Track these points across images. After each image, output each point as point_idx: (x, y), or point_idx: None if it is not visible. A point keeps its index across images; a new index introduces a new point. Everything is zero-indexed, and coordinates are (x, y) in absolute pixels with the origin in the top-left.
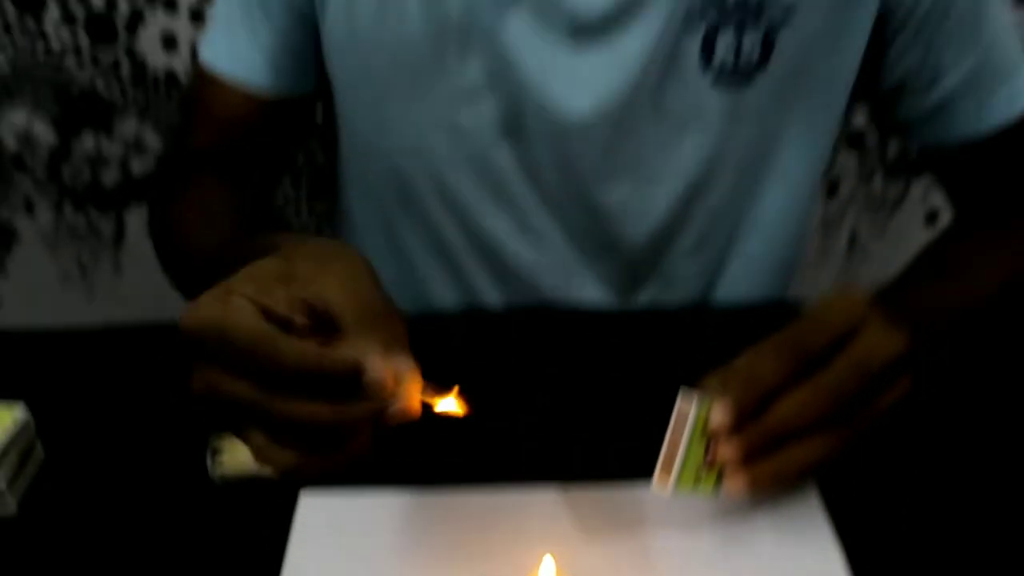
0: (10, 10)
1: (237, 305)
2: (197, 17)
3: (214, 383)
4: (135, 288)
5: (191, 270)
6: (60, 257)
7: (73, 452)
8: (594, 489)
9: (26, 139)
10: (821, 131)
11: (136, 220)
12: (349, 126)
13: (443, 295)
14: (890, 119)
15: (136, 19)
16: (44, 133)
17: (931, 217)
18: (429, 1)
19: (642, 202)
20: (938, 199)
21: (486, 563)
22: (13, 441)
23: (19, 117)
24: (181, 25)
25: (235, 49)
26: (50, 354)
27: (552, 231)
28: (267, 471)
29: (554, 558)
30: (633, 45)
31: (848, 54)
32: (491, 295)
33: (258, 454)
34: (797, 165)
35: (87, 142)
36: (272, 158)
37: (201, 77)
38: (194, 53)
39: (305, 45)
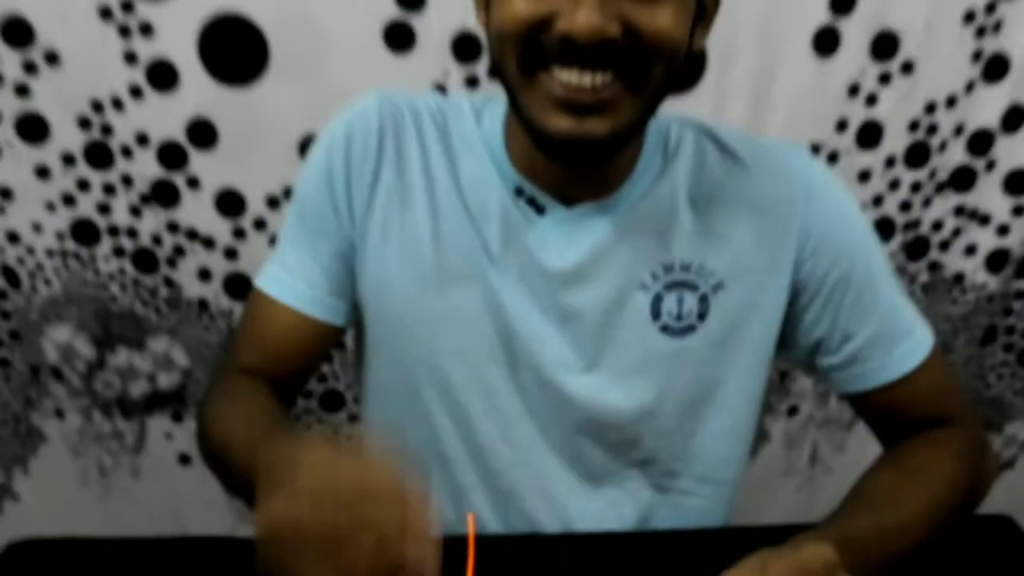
0: (69, 243)
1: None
2: (230, 255)
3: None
4: (149, 493)
5: (229, 458)
6: (82, 459)
7: None
8: None
9: (66, 353)
10: (753, 374)
11: (157, 428)
12: (373, 342)
13: (438, 491)
14: (812, 370)
15: (177, 254)
16: (83, 348)
17: None
18: (438, 250)
19: (606, 420)
20: None
21: None
22: None
23: (62, 333)
24: (216, 260)
25: (288, 282)
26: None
27: (532, 438)
28: None
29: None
30: (595, 294)
31: (769, 317)
32: (478, 495)
33: None
34: (734, 400)
35: (121, 357)
36: (305, 368)
37: (256, 301)
38: (226, 283)
39: (344, 285)
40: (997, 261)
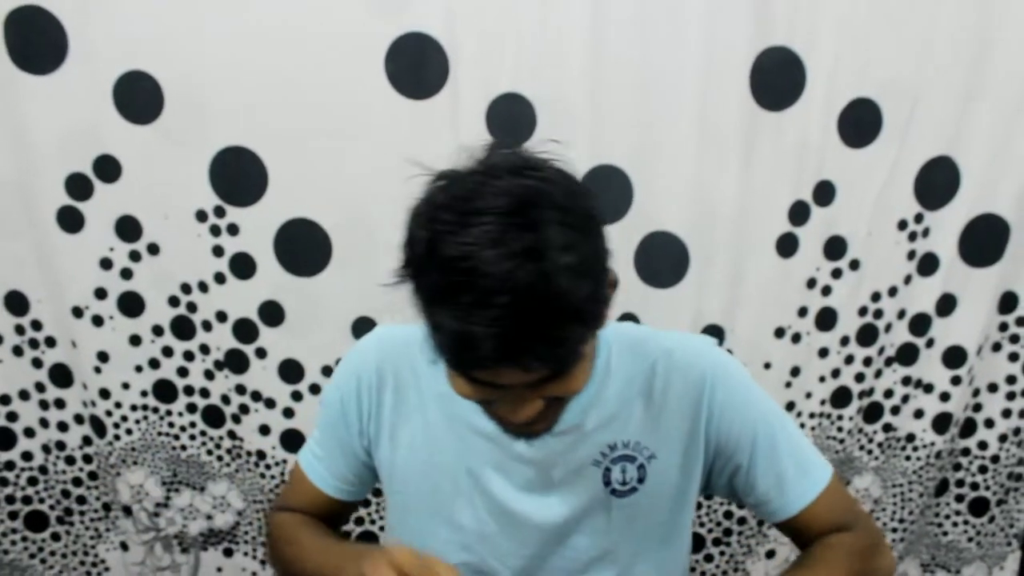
0: (150, 399)
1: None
2: (288, 414)
3: None
4: None
5: (302, 561)
6: None
7: None
8: None
9: (137, 493)
10: (684, 514)
11: (210, 562)
12: (391, 523)
13: None
14: (743, 507)
15: (242, 411)
16: (153, 489)
17: None
18: (431, 450)
19: (574, 561)
20: None
21: None
22: None
23: (136, 476)
24: (275, 418)
25: (317, 467)
26: None
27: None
28: None
29: None
30: (563, 472)
31: (692, 476)
32: None
33: None
34: (671, 535)
35: (185, 498)
36: (334, 523)
37: (297, 469)
38: (282, 437)
39: (357, 475)
40: (942, 423)
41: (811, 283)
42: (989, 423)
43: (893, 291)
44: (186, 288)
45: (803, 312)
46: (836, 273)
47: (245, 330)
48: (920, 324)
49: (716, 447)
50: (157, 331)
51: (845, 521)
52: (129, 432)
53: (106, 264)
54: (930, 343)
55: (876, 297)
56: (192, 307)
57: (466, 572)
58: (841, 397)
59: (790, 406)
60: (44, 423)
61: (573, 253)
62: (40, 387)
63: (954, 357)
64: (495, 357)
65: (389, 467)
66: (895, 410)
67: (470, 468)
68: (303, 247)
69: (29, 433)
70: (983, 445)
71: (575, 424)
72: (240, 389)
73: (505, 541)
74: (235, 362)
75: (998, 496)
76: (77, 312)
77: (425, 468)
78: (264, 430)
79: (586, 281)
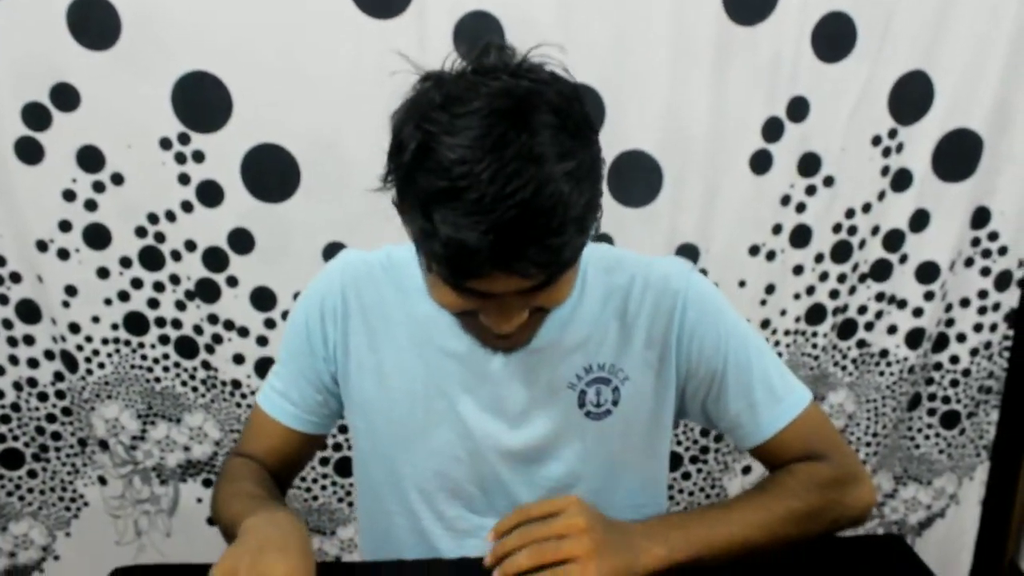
0: (121, 332)
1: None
2: (262, 342)
3: None
4: (180, 551)
5: (224, 523)
6: (120, 522)
7: None
8: None
9: (113, 427)
10: (658, 439)
11: (189, 494)
12: (361, 444)
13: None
14: (717, 429)
15: (216, 341)
16: (129, 422)
17: None
18: (403, 379)
19: (545, 485)
20: None
21: None
22: None
23: (111, 410)
24: (249, 346)
25: (278, 402)
26: None
27: (487, 507)
28: None
29: None
30: (537, 394)
31: (666, 399)
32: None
33: None
34: (644, 461)
35: (161, 430)
36: (293, 464)
37: (256, 412)
38: (257, 366)
39: (322, 407)
40: (915, 338)
41: (785, 200)
42: (961, 338)
43: (867, 207)
44: (153, 218)
45: (777, 229)
46: (810, 190)
47: (215, 259)
48: (894, 240)
49: (688, 370)
50: (125, 263)
51: (819, 450)
52: (102, 366)
53: (69, 196)
54: (903, 259)
55: (850, 214)
56: (160, 237)
57: (441, 497)
58: (815, 314)
59: (765, 324)
60: (14, 360)
61: (571, 159)
62: (7, 324)
63: (927, 273)
64: (492, 264)
65: (359, 396)
66: (869, 326)
67: (443, 392)
68: (271, 173)
69: None
70: (955, 359)
71: (552, 341)
72: (212, 319)
73: (479, 465)
74: (206, 291)
75: (969, 409)
76: (42, 246)
77: (397, 396)
78: (238, 359)
79: (584, 187)
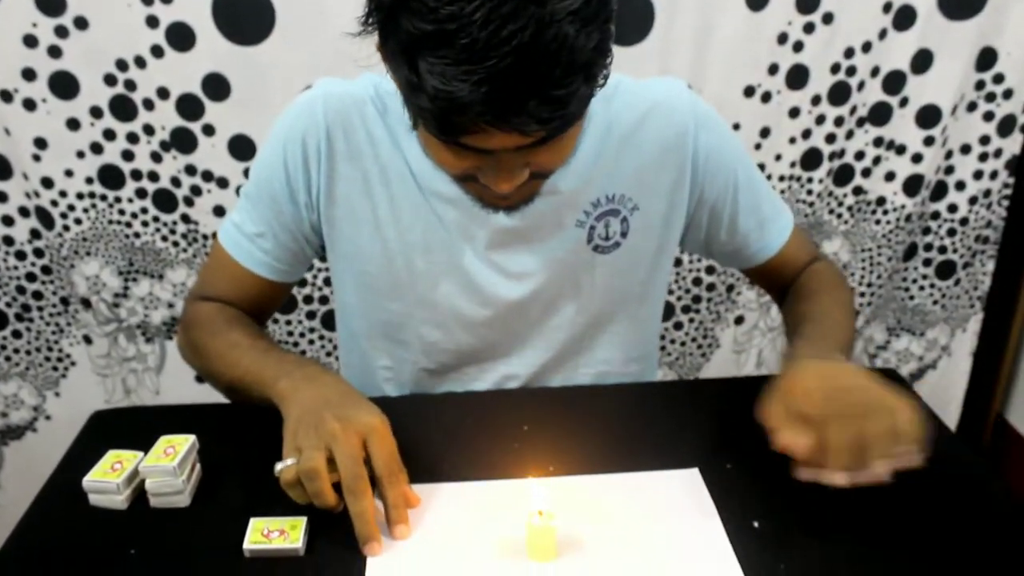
0: (97, 186)
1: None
2: None
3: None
4: None
5: (236, 379)
6: (108, 380)
7: (220, 468)
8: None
9: (94, 284)
10: (663, 270)
11: (176, 350)
12: (346, 304)
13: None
14: (704, 255)
15: (194, 193)
16: (110, 279)
17: None
18: (399, 227)
19: (544, 330)
20: None
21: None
22: (187, 457)
23: (91, 267)
24: (229, 197)
25: (246, 247)
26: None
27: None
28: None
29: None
30: (541, 237)
31: (674, 226)
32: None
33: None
34: (650, 291)
35: (143, 287)
36: (262, 310)
37: (219, 252)
38: None
39: (295, 255)
40: (913, 185)
41: (782, 38)
42: (960, 185)
43: (867, 47)
44: (122, 65)
45: (773, 70)
46: (808, 28)
47: (190, 106)
48: (894, 82)
49: (701, 192)
50: (96, 113)
51: (814, 254)
52: (78, 222)
53: (30, 42)
54: (904, 102)
55: (849, 53)
56: (131, 85)
57: (440, 349)
58: (811, 159)
59: (759, 168)
60: None
61: None
62: None
63: (928, 117)
64: (487, 120)
65: (350, 247)
66: (866, 172)
67: (444, 242)
68: (244, 13)
69: None
70: (953, 208)
71: (556, 183)
72: (190, 170)
73: (483, 315)
74: (182, 141)
75: (964, 259)
76: (6, 96)
77: (394, 247)
78: (219, 211)
79: (592, 29)
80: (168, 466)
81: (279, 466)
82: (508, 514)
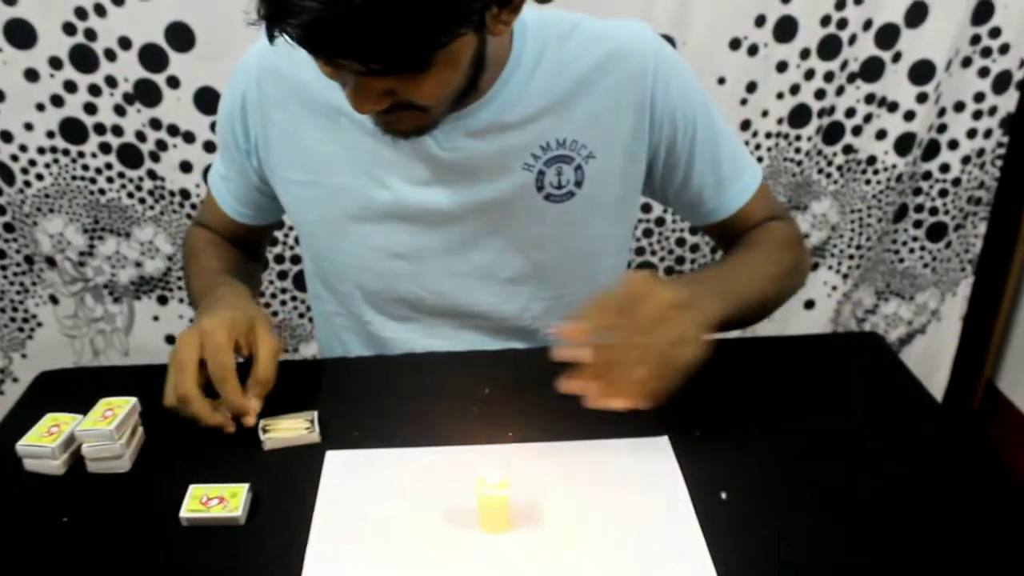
0: (58, 140)
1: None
2: (210, 148)
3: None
4: None
5: (189, 273)
6: (76, 342)
7: (164, 432)
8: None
9: (59, 242)
10: (624, 220)
11: (144, 312)
12: (301, 236)
13: (354, 343)
14: (670, 206)
15: (160, 148)
16: (75, 237)
17: (808, 305)
18: (335, 165)
19: (492, 278)
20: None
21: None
22: (127, 418)
23: (55, 225)
24: (196, 152)
25: (221, 189)
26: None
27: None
28: (299, 442)
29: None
30: (486, 178)
31: (634, 174)
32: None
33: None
34: (609, 244)
35: (110, 245)
36: (250, 244)
37: (208, 196)
38: (206, 173)
39: (258, 200)
40: (905, 144)
41: None
42: (953, 144)
43: None
44: (80, 13)
45: (760, 21)
46: None
47: (153, 57)
48: (887, 36)
49: (659, 141)
50: (55, 64)
51: (776, 214)
52: (40, 178)
53: None
54: (897, 57)
55: (840, 5)
56: (91, 34)
57: (384, 296)
58: (800, 115)
59: (745, 125)
60: None
61: None
62: None
63: (921, 72)
64: (306, 47)
65: (289, 195)
66: (856, 130)
67: (377, 179)
68: None
69: None
70: (945, 168)
71: (496, 120)
72: (155, 124)
73: (423, 258)
74: (146, 93)
75: (956, 221)
76: None
77: (326, 189)
78: (185, 167)
79: None
80: (105, 430)
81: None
82: (461, 483)
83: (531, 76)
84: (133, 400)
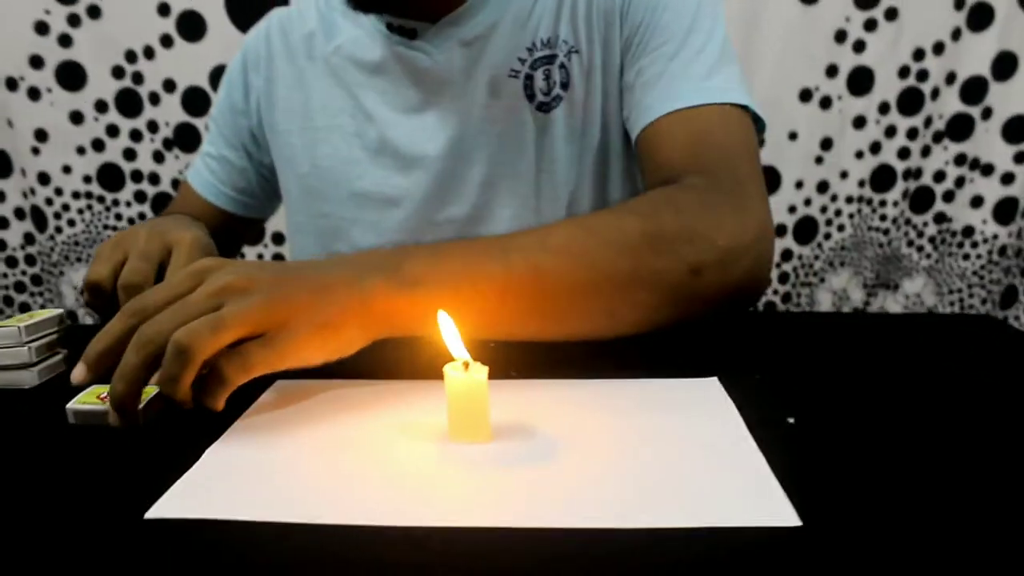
0: (94, 186)
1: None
2: None
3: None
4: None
5: None
6: None
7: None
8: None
9: (81, 295)
10: (620, 126)
11: None
12: (294, 224)
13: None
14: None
15: None
16: None
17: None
18: (330, 113)
19: (493, 216)
20: None
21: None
22: (43, 324)
23: (80, 276)
24: None
25: (204, 175)
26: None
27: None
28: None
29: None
30: (473, 93)
31: (614, 71)
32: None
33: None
34: (604, 142)
35: None
36: (230, 239)
37: (183, 186)
38: None
39: (248, 182)
40: (1006, 211)
41: (840, 36)
42: None
43: (939, 48)
44: (131, 56)
45: (832, 71)
46: (870, 25)
47: (196, 101)
48: (974, 90)
49: (627, 32)
50: (100, 107)
51: (708, 163)
52: (72, 223)
53: (41, 28)
54: (987, 113)
55: (919, 55)
56: (138, 78)
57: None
58: (883, 178)
59: (823, 187)
60: None
61: None
62: None
63: (1017, 129)
64: None
65: (288, 150)
66: (948, 196)
67: (370, 116)
68: (257, 2)
69: None
70: None
71: (488, 26)
72: None
73: (428, 202)
74: (186, 139)
75: None
76: (11, 84)
77: (322, 134)
78: None
79: None
80: (11, 329)
81: None
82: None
83: None
84: (59, 311)
